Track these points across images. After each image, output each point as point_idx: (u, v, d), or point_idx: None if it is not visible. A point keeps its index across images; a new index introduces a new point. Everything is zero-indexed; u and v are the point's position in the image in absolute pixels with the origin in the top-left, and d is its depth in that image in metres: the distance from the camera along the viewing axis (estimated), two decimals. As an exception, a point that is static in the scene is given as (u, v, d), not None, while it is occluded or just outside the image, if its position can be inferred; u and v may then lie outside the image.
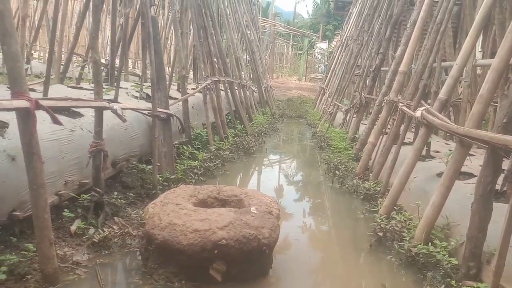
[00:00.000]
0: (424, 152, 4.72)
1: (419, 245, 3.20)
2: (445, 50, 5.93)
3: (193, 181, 4.84)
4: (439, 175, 4.11)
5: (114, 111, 3.24)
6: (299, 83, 24.88)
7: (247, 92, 10.55)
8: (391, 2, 7.93)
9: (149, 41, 4.35)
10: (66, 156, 3.21)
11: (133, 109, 4.19)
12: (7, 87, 4.16)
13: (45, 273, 2.51)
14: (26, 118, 2.33)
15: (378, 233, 3.63)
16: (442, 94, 3.94)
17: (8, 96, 3.30)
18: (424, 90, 4.78)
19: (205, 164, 5.44)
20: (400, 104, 4.78)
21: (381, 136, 5.50)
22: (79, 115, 3.71)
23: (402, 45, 5.81)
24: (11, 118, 3.04)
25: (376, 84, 7.88)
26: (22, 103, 2.27)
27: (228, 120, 8.34)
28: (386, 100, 5.42)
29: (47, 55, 11.82)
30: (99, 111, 3.22)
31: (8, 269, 2.45)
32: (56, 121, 2.44)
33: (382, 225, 3.67)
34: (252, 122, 9.62)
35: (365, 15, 10.23)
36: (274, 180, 6.22)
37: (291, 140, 10.26)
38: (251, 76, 12.89)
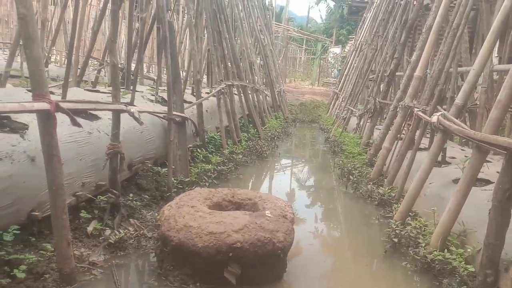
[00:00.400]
0: (439, 158, 4.68)
1: (435, 252, 3.17)
2: (461, 55, 5.88)
3: (207, 184, 4.87)
4: (455, 181, 4.07)
5: (132, 114, 3.29)
6: (312, 88, 24.85)
7: (260, 96, 10.59)
8: (406, 7, 7.90)
9: (166, 46, 4.40)
10: (83, 158, 3.26)
11: (149, 112, 4.23)
12: (26, 89, 4.26)
13: (63, 273, 2.54)
14: (46, 120, 2.38)
15: (393, 239, 3.60)
16: (458, 99, 3.91)
17: (28, 98, 3.38)
18: (440, 95, 4.74)
19: (219, 167, 5.47)
20: (416, 109, 4.75)
21: (395, 141, 5.46)
22: (96, 117, 3.76)
23: (417, 50, 5.78)
24: (30, 120, 3.11)
25: (390, 89, 7.84)
26: (43, 105, 2.32)
27: (241, 124, 8.38)
28: (401, 105, 5.39)
29: (63, 58, 12.01)
30: (116, 114, 3.27)
31: (27, 268, 2.49)
32: (75, 123, 2.49)
33: (397, 231, 3.65)
34: (265, 126, 9.63)
35: (380, 19, 10.20)
36: (287, 184, 6.21)
37: (304, 144, 10.25)
38: (264, 81, 12.92)
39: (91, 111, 3.68)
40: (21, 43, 5.06)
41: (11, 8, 13.82)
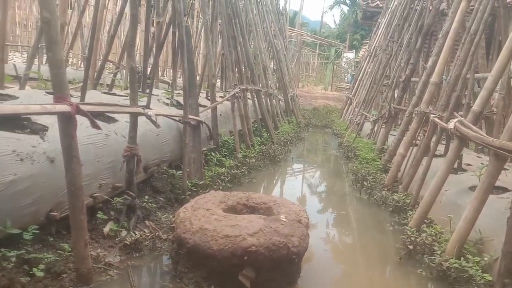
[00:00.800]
0: (455, 165, 4.63)
1: (451, 259, 3.14)
2: (478, 61, 5.82)
3: (220, 187, 4.88)
4: (472, 188, 4.03)
5: (149, 117, 3.33)
6: (325, 93, 24.79)
7: (274, 100, 10.60)
8: (422, 12, 7.86)
9: (183, 50, 4.45)
10: (101, 160, 3.31)
11: (165, 116, 4.27)
12: (46, 92, 4.34)
13: (80, 273, 2.58)
14: (67, 121, 2.42)
15: (408, 246, 3.57)
16: (476, 106, 3.87)
17: (47, 100, 3.44)
18: (457, 101, 4.70)
19: (232, 171, 5.49)
20: (432, 115, 4.71)
21: (410, 148, 5.42)
22: (114, 120, 3.82)
23: (433, 55, 5.73)
24: (50, 122, 3.17)
25: (405, 95, 7.79)
26: (64, 108, 2.36)
27: (254, 128, 8.39)
28: (417, 111, 5.35)
29: (79, 61, 12.17)
30: (134, 117, 3.31)
31: (45, 267, 2.53)
32: (95, 126, 2.53)
33: (412, 237, 3.61)
34: (278, 131, 9.63)
35: (395, 25, 10.15)
36: (300, 189, 6.20)
37: (316, 149, 10.22)
38: (277, 85, 12.94)
39: (108, 114, 3.74)
40: (39, 46, 5.17)
41: (29, 12, 14.10)
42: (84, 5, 6.61)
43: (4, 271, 2.30)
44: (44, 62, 9.43)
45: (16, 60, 11.94)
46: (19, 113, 2.35)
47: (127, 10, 5.13)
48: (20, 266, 2.47)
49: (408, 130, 5.80)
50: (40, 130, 3.06)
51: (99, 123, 3.35)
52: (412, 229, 3.82)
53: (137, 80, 5.62)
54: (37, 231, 2.64)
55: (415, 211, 4.22)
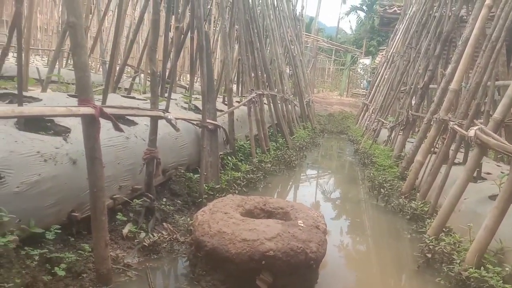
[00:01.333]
0: (475, 173, 4.56)
1: (470, 269, 3.09)
2: (499, 68, 5.74)
3: (236, 191, 4.90)
4: (492, 197, 3.97)
5: (169, 121, 3.37)
6: (341, 99, 24.68)
7: (289, 106, 10.61)
8: (440, 19, 7.80)
9: (202, 55, 4.49)
10: (121, 162, 3.35)
11: (184, 119, 4.32)
12: (67, 94, 4.43)
13: (100, 273, 2.62)
14: (91, 124, 2.47)
15: (427, 254, 3.53)
16: (497, 114, 3.82)
17: (70, 103, 3.51)
18: (477, 109, 4.64)
19: (248, 175, 5.50)
20: (451, 122, 4.66)
21: (429, 155, 5.36)
22: (134, 123, 3.87)
23: (453, 62, 5.68)
24: (72, 124, 3.23)
25: (423, 102, 7.71)
26: (88, 110, 2.41)
27: (270, 133, 8.41)
28: (436, 118, 5.29)
29: (98, 65, 12.36)
30: (154, 120, 3.35)
31: (66, 267, 2.58)
32: (117, 128, 2.57)
33: (430, 246, 3.57)
34: (293, 136, 9.63)
35: (413, 31, 10.08)
36: (315, 195, 6.18)
37: (332, 155, 10.17)
38: (293, 90, 12.94)
39: (128, 117, 3.80)
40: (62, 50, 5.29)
41: (50, 17, 14.39)
42: (105, 11, 6.74)
43: (28, 269, 2.35)
44: (64, 65, 9.62)
45: (37, 63, 12.20)
46: (46, 115, 2.41)
47: (145, 15, 5.22)
48: (43, 264, 2.52)
49: (426, 138, 5.74)
50: (63, 132, 3.13)
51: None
52: (430, 238, 3.78)
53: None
54: (59, 231, 2.69)
55: (433, 219, 4.17)
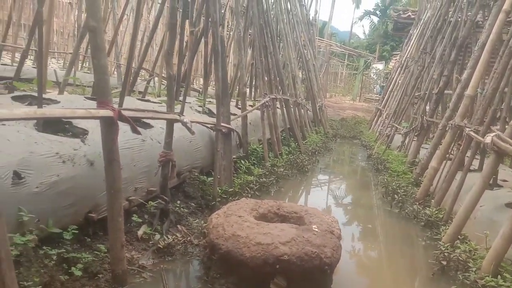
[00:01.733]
0: (491, 181, 4.51)
1: (487, 277, 3.05)
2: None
3: (249, 195, 4.90)
4: (508, 205, 3.92)
5: (184, 124, 3.40)
6: (353, 103, 24.59)
7: (302, 110, 10.60)
8: (456, 24, 7.73)
9: (217, 59, 4.53)
10: (137, 164, 3.39)
11: (199, 123, 4.35)
12: (84, 97, 4.50)
13: (115, 274, 2.64)
14: (109, 126, 2.50)
15: (442, 262, 3.49)
16: (515, 120, 3.77)
17: (86, 105, 3.57)
18: (494, 115, 4.59)
19: (261, 179, 5.51)
20: (467, 129, 4.61)
21: (444, 162, 5.31)
22: (149, 126, 3.91)
23: (468, 68, 5.62)
24: (90, 126, 3.28)
25: (437, 107, 7.65)
26: (107, 113, 2.45)
27: (282, 137, 8.40)
28: (451, 124, 5.24)
29: (112, 68, 12.54)
30: (170, 123, 3.39)
31: (83, 267, 2.61)
32: (135, 131, 2.61)
33: (446, 253, 3.53)
34: (306, 141, 9.61)
35: (427, 36, 10.01)
36: (328, 200, 6.16)
37: (345, 160, 10.13)
38: (306, 95, 12.93)
39: (144, 120, 3.84)
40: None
41: (66, 20, 14.63)
42: (121, 15, 6.83)
43: (46, 268, 2.38)
44: (79, 68, 9.76)
45: (53, 66, 12.40)
46: (67, 117, 2.45)
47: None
48: (60, 264, 2.55)
49: (441, 144, 5.69)
50: (80, 134, 3.18)
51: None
52: (445, 245, 3.74)
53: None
54: (76, 231, 2.72)
55: (448, 226, 4.12)
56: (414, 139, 7.82)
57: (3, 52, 9.02)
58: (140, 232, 3.23)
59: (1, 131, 2.61)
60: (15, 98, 3.65)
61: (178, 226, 3.52)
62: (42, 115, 2.12)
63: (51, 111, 2.23)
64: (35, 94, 3.72)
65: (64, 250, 2.60)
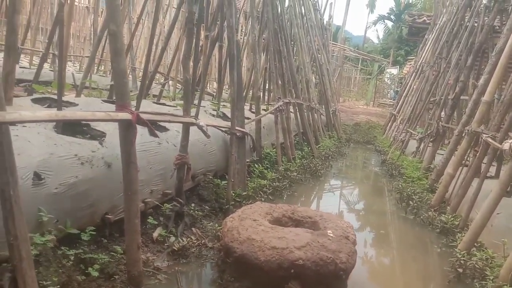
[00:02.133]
0: (508, 188, 4.44)
1: (505, 286, 3.00)
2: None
3: (262, 199, 4.90)
4: (527, 213, 3.86)
5: (200, 128, 3.43)
6: (367, 108, 24.43)
7: (315, 114, 10.57)
8: (473, 29, 7.65)
9: (233, 63, 4.56)
10: (153, 167, 3.43)
11: (214, 126, 4.38)
12: (102, 100, 4.56)
13: (131, 275, 2.67)
14: (128, 129, 2.54)
15: (458, 269, 3.45)
16: (533, 127, 3.72)
17: (104, 108, 3.62)
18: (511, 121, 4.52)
19: (274, 183, 5.51)
20: (484, 135, 4.55)
21: (460, 168, 5.25)
22: (165, 129, 3.95)
23: (485, 73, 5.56)
24: (108, 128, 3.33)
25: (453, 113, 7.56)
26: (126, 115, 2.49)
27: (295, 141, 8.39)
28: (468, 130, 5.18)
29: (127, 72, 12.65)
30: (186, 127, 3.42)
31: (99, 268, 2.64)
32: (153, 134, 2.64)
33: (462, 261, 3.49)
34: (319, 145, 9.58)
35: (443, 41, 9.92)
36: (342, 205, 6.13)
37: (359, 166, 10.06)
38: (319, 99, 12.90)
39: (160, 123, 3.88)
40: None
41: (82, 24, 14.85)
42: (138, 19, 6.92)
43: (64, 268, 2.42)
44: (95, 71, 9.89)
45: (69, 69, 12.58)
46: (88, 119, 2.51)
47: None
48: (77, 264, 2.59)
49: (457, 150, 5.62)
50: (98, 136, 3.23)
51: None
52: (461, 252, 3.69)
53: (183, 91, 5.81)
54: (93, 233, 2.76)
55: (465, 233, 4.07)
56: (429, 145, 7.74)
57: (21, 55, 9.21)
58: (155, 234, 3.26)
59: (22, 133, 2.67)
60: (34, 101, 3.72)
61: (193, 228, 3.54)
62: (64, 117, 2.16)
63: (72, 113, 2.28)
64: (54, 96, 3.80)
65: (82, 251, 2.63)
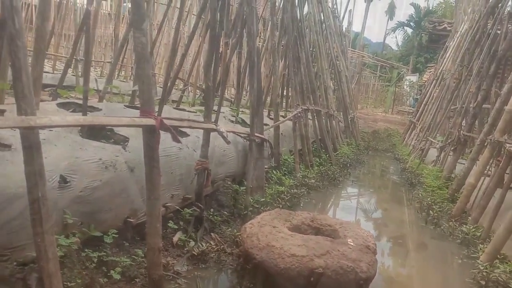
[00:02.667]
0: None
1: (529, 300, 2.94)
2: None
3: (280, 206, 4.90)
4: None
5: (221, 133, 3.46)
6: (385, 115, 24.18)
7: (333, 121, 10.52)
8: (495, 37, 7.53)
9: (253, 70, 4.59)
10: (174, 172, 3.47)
11: (234, 132, 4.41)
12: (124, 105, 4.65)
13: (152, 279, 2.69)
14: (151, 134, 2.58)
15: (480, 281, 3.38)
16: (560, 137, 3.64)
17: (127, 113, 3.68)
18: (537, 131, 4.43)
19: (292, 190, 5.50)
20: (508, 145, 4.47)
21: (482, 178, 5.15)
22: (186, 134, 4.00)
23: (509, 82, 5.46)
24: (130, 133, 3.38)
25: (475, 122, 7.44)
26: (150, 121, 2.53)
27: (313, 148, 8.36)
28: (490, 140, 5.09)
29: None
30: (207, 133, 3.45)
31: (121, 271, 2.69)
32: (176, 139, 2.67)
33: (484, 272, 3.42)
34: (337, 152, 9.52)
35: (465, 49, 9.79)
36: (361, 214, 6.07)
37: (377, 174, 9.96)
38: (337, 106, 12.83)
39: (181, 128, 3.93)
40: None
41: (104, 30, 15.13)
42: (160, 27, 7.03)
43: (87, 270, 2.47)
44: (116, 77, 10.06)
45: (91, 75, 12.82)
46: (113, 124, 2.55)
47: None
48: (100, 267, 2.64)
49: (479, 159, 5.53)
50: (121, 141, 3.29)
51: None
52: (484, 264, 3.62)
53: (203, 97, 5.86)
54: (116, 235, 2.81)
55: (487, 245, 3.99)
56: (450, 154, 7.62)
57: (45, 60, 9.45)
58: (175, 239, 3.29)
59: (49, 137, 2.74)
60: (59, 105, 3.81)
61: (212, 234, 3.56)
62: (91, 122, 2.22)
63: (99, 119, 2.33)
64: (77, 101, 3.88)
65: (104, 253, 2.68)
